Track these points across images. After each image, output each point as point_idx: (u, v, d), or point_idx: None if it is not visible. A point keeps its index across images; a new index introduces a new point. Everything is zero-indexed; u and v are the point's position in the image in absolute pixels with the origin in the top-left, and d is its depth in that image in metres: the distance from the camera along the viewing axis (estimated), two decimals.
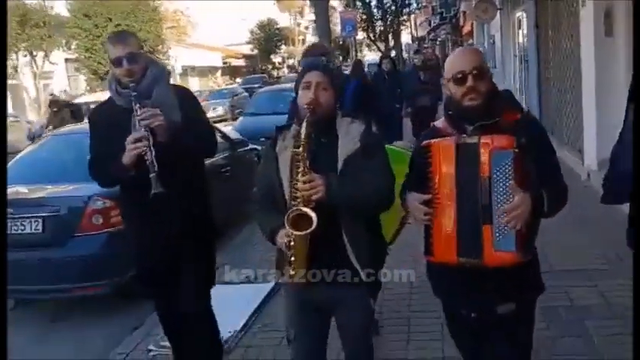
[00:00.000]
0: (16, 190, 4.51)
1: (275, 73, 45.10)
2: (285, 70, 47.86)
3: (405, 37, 42.98)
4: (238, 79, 39.69)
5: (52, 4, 22.41)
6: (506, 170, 1.89)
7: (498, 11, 13.98)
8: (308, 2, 60.98)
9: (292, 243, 2.14)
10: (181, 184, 2.71)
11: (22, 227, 4.20)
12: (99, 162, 2.76)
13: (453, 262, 2.01)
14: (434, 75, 10.01)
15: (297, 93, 2.30)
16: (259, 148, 7.37)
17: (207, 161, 5.74)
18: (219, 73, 41.19)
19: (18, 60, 20.89)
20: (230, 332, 3.73)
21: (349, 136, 2.24)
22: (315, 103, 2.18)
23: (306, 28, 61.76)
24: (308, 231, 2.07)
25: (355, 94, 5.09)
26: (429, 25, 37.86)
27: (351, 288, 2.25)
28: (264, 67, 45.15)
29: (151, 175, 2.52)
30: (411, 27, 39.80)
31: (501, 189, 1.91)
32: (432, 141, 2.06)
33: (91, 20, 23.17)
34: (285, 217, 2.10)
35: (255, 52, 46.04)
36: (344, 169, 2.18)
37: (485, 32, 18.37)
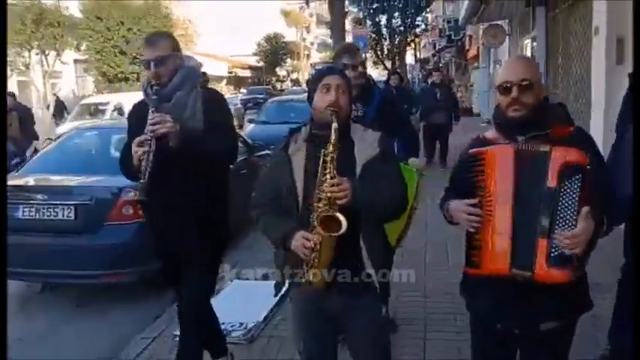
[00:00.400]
0: (49, 178, 4.67)
1: (279, 85, 45.45)
2: (289, 83, 48.23)
3: (409, 58, 43.55)
4: (243, 90, 40.00)
5: (67, 5, 22.65)
6: (575, 186, 1.84)
7: (507, 37, 14.31)
8: (315, 19, 61.83)
9: (318, 245, 2.10)
10: (195, 189, 2.74)
11: (55, 214, 4.34)
12: (126, 157, 2.81)
13: (504, 273, 1.92)
14: (448, 93, 10.33)
15: (311, 96, 2.27)
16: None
17: None
18: (224, 82, 41.49)
19: (30, 58, 21.08)
20: (253, 323, 3.89)
21: (366, 142, 2.24)
22: (337, 105, 2.17)
23: (312, 43, 62.42)
24: (339, 232, 2.05)
25: (379, 107, 5.26)
26: (433, 47, 38.37)
27: (365, 293, 2.24)
28: (268, 79, 45.52)
29: (140, 182, 2.53)
30: (414, 48, 40.33)
31: (567, 204, 1.84)
32: (486, 148, 2.00)
33: (103, 23, 23.40)
34: (315, 219, 2.08)
35: (261, 64, 46.45)
36: (362, 174, 2.18)
37: (491, 57, 18.69)
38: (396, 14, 29.31)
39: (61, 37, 21.09)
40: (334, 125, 2.11)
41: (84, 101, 19.50)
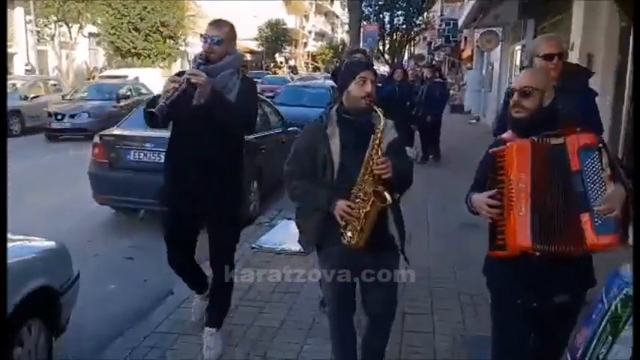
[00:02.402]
0: (152, 131, 6.07)
1: (277, 71, 46.50)
2: (285, 69, 49.28)
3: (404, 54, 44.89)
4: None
5: None
6: (595, 163, 2.06)
7: (500, 43, 15.86)
8: (314, 8, 62.69)
9: (365, 213, 2.44)
10: (216, 142, 3.08)
11: (159, 158, 5.71)
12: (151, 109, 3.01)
13: (528, 249, 2.08)
14: (442, 91, 10.99)
15: (346, 84, 2.56)
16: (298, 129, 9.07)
17: (272, 132, 7.44)
18: None
19: (56, 29, 22.21)
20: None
21: (387, 127, 2.55)
22: (372, 96, 2.53)
23: (309, 32, 63.46)
24: (386, 203, 2.44)
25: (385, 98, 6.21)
26: (428, 45, 39.83)
27: (389, 252, 2.63)
28: (267, 65, 46.58)
29: (161, 102, 2.81)
30: (412, 45, 41.80)
31: (593, 179, 2.05)
32: (504, 146, 2.19)
33: (119, 0, 24.57)
34: (367, 192, 2.44)
35: (261, 49, 47.44)
36: (385, 153, 2.50)
37: (484, 59, 20.25)
38: (399, 13, 31.17)
39: (85, 11, 22.22)
40: (381, 115, 2.48)
41: (103, 73, 20.65)
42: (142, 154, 5.84)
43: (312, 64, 60.23)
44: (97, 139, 6.13)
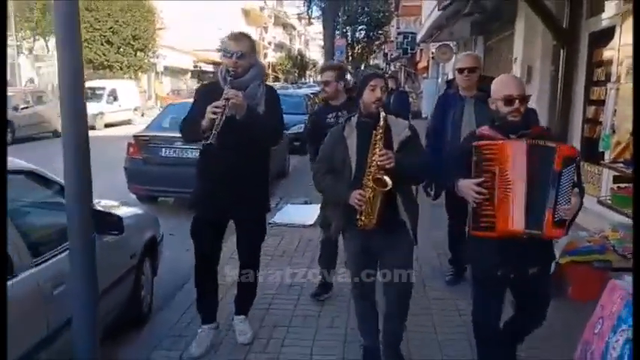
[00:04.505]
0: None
1: None
2: None
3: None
4: (205, 82, 41.59)
5: None
6: (571, 171, 2.41)
7: (454, 55, 17.53)
8: (272, 20, 63.83)
9: (371, 198, 2.72)
10: (248, 154, 3.21)
11: (187, 153, 6.91)
12: (188, 123, 3.26)
13: (520, 233, 2.43)
14: (407, 100, 12.16)
15: (360, 93, 2.87)
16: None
17: None
18: (188, 75, 43.20)
19: (34, 43, 22.78)
20: (312, 220, 6.65)
21: (399, 126, 2.87)
22: (381, 101, 2.82)
23: (269, 43, 64.62)
24: (387, 188, 2.70)
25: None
26: (384, 55, 41.73)
27: (400, 233, 2.87)
28: None
29: (213, 132, 2.93)
30: (370, 56, 43.79)
31: (565, 184, 2.39)
32: (496, 142, 2.48)
33: (92, 14, 25.31)
34: (370, 179, 2.71)
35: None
36: (399, 149, 2.79)
37: (440, 69, 22.02)
38: (361, 27, 33.36)
39: None
40: (383, 115, 2.76)
41: None
42: (172, 151, 7.07)
43: (272, 75, 61.34)
44: (132, 139, 7.33)
